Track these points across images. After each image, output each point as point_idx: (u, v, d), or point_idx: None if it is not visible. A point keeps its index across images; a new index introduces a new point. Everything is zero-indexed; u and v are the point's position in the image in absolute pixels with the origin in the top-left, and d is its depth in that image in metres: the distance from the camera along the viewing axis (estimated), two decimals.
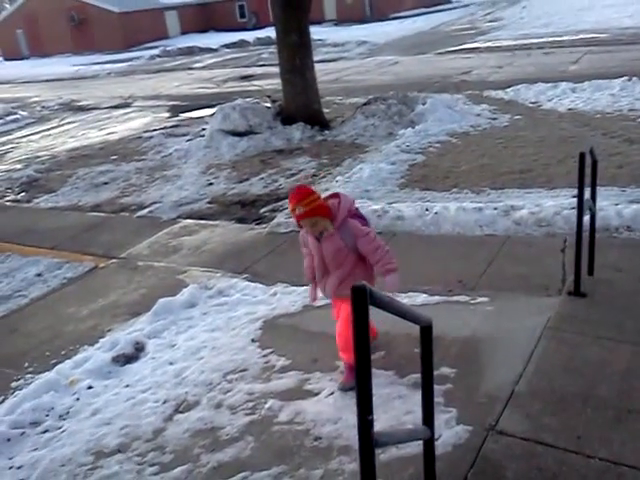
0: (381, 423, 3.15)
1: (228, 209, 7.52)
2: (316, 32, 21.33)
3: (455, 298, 4.60)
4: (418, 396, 2.66)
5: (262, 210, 7.29)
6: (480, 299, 4.52)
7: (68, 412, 3.77)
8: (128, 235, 6.90)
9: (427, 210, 6.23)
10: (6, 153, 12.74)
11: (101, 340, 4.57)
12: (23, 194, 9.40)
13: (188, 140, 11.08)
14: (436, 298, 4.60)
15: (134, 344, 4.37)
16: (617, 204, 5.79)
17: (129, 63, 30.63)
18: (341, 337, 3.60)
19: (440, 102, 10.65)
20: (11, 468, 3.39)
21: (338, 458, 3.11)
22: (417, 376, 2.85)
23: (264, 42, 30.45)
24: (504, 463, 2.95)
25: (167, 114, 14.70)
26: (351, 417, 3.24)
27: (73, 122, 15.56)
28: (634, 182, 6.50)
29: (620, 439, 2.99)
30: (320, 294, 3.73)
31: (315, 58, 11.07)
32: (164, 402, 3.73)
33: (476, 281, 4.85)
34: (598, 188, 4.84)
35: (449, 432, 3.16)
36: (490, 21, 30.26)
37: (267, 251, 5.99)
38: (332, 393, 3.60)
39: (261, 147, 10.02)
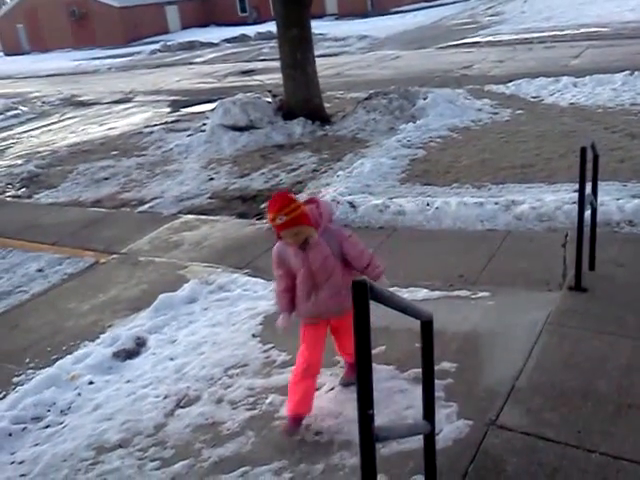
0: (382, 418, 3.15)
1: (229, 204, 7.51)
2: (317, 26, 21.27)
3: (456, 293, 4.60)
4: (419, 391, 2.66)
5: (263, 205, 7.27)
6: (481, 294, 4.52)
7: (69, 407, 3.78)
8: (129, 230, 6.90)
9: (428, 205, 6.22)
10: (7, 148, 12.74)
11: (102, 335, 4.58)
12: (24, 190, 9.39)
13: (189, 135, 11.07)
14: (437, 293, 4.60)
15: (135, 339, 4.38)
16: (618, 199, 5.78)
17: (130, 58, 30.59)
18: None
19: (441, 97, 10.62)
20: (13, 463, 3.40)
21: (339, 453, 3.12)
22: (418, 371, 2.86)
23: (265, 36, 30.40)
24: (505, 458, 2.95)
25: (168, 109, 14.69)
26: (352, 412, 3.24)
27: (74, 117, 15.55)
28: (636, 177, 6.48)
29: (620, 433, 2.99)
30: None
31: (316, 52, 11.04)
32: (165, 397, 3.73)
33: (477, 276, 4.85)
34: (599, 183, 4.84)
35: (450, 427, 3.17)
36: (491, 15, 30.17)
37: (268, 246, 5.94)
38: (332, 388, 3.61)
39: (262, 142, 10.00)
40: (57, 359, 4.34)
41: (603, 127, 8.56)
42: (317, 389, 3.63)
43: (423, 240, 5.70)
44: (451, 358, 3.74)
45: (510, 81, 12.24)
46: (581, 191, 4.27)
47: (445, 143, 8.79)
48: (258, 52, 25.60)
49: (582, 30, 19.63)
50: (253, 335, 4.34)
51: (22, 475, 3.30)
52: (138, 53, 32.38)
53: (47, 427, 3.64)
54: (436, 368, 3.44)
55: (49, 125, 14.92)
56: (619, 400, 3.22)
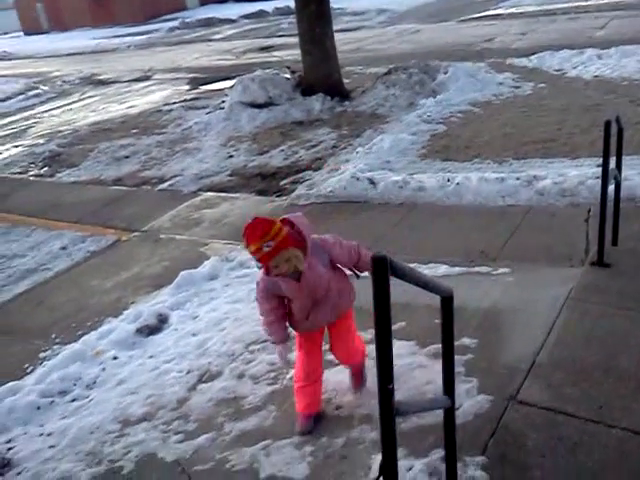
0: (402, 393, 3.17)
1: (248, 181, 7.53)
2: (336, 0, 21.00)
3: (477, 269, 4.58)
4: (439, 366, 2.66)
5: (282, 182, 7.29)
6: (502, 270, 4.49)
7: (95, 382, 3.86)
8: (150, 208, 6.95)
9: (449, 181, 6.17)
10: (29, 128, 12.86)
11: (125, 312, 4.65)
12: (46, 169, 9.50)
13: (208, 113, 11.06)
14: (457, 269, 4.59)
15: (157, 316, 4.44)
16: None
17: (148, 36, 30.52)
18: (350, 350, 3.29)
19: (462, 71, 10.47)
20: (41, 435, 3.49)
21: (359, 427, 3.15)
22: (438, 346, 2.86)
23: (283, 12, 30.09)
24: (525, 432, 2.96)
25: (187, 87, 14.67)
26: (372, 386, 3.27)
27: (94, 96, 15.61)
28: None
29: None
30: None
31: (335, 27, 10.92)
32: (187, 372, 3.79)
33: (498, 252, 4.82)
34: (624, 157, 4.75)
35: (470, 402, 3.18)
36: None
37: None
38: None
39: (281, 119, 9.97)
40: (82, 335, 4.42)
41: (628, 100, 8.39)
42: (337, 364, 3.66)
43: (443, 216, 5.67)
44: (471, 334, 3.74)
45: (533, 54, 12.01)
46: (605, 165, 4.21)
47: (466, 118, 8.68)
48: (276, 28, 25.39)
49: (607, 0, 19.13)
50: None
51: (51, 447, 3.39)
52: (157, 31, 32.29)
53: (74, 401, 3.72)
54: (456, 344, 3.44)
55: (70, 104, 15.01)
56: None
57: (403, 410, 2.40)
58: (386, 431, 2.20)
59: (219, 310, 4.47)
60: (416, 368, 3.48)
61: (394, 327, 3.91)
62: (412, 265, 3.47)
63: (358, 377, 3.42)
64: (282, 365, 3.20)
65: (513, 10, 20.58)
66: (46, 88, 17.60)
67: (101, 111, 13.36)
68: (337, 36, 11.02)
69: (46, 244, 6.45)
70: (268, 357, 3.81)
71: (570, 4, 19.46)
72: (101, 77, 18.61)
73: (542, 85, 9.84)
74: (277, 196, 6.87)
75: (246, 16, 32.20)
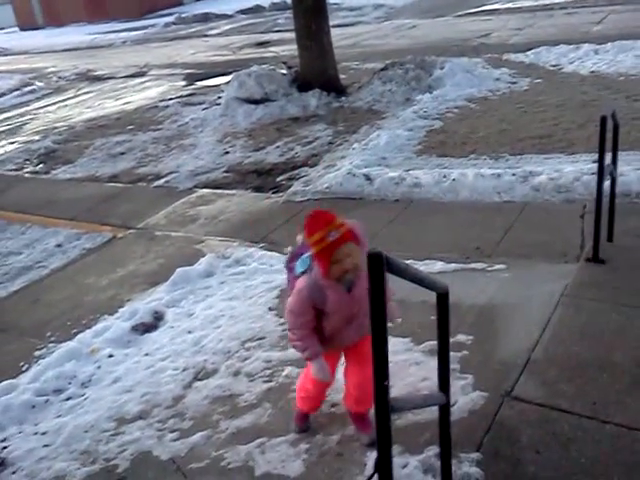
0: (397, 389, 3.18)
1: (244, 178, 7.51)
2: None
3: (472, 265, 4.58)
4: (434, 363, 2.66)
5: (278, 179, 7.28)
6: (497, 266, 4.50)
7: (90, 380, 3.86)
8: (145, 205, 6.94)
9: (445, 177, 6.17)
10: (24, 124, 12.81)
11: (120, 310, 4.64)
12: (41, 165, 9.47)
13: (204, 109, 11.04)
14: (453, 265, 4.59)
15: (153, 313, 4.44)
16: (639, 169, 5.68)
17: (144, 31, 30.39)
18: (364, 380, 2.71)
19: (458, 66, 10.45)
20: (36, 434, 3.48)
21: (355, 424, 3.15)
22: (433, 343, 2.86)
23: (280, 7, 29.97)
24: (520, 428, 2.97)
25: (183, 82, 14.63)
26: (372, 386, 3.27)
27: (89, 92, 15.56)
28: None
29: (636, 405, 2.99)
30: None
31: (331, 23, 10.88)
32: (183, 370, 3.79)
33: (493, 248, 4.82)
34: (619, 153, 4.74)
35: (465, 398, 3.18)
36: None
37: (284, 220, 6.00)
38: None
39: (277, 115, 9.95)
40: (77, 333, 4.42)
41: (625, 96, 8.38)
42: None
43: (439, 212, 5.67)
44: (467, 330, 3.74)
45: (529, 49, 11.99)
46: (600, 161, 4.21)
47: (462, 114, 8.67)
48: (273, 23, 25.30)
49: None
50: (270, 308, 4.37)
51: (45, 445, 3.38)
52: (152, 26, 32.14)
53: (69, 399, 3.72)
54: (452, 340, 3.44)
55: (65, 100, 14.95)
56: (635, 371, 3.21)
57: (398, 407, 2.41)
58: (381, 428, 2.21)
59: (215, 307, 4.46)
60: (412, 365, 3.49)
61: (389, 324, 3.93)
62: (408, 261, 3.47)
63: (364, 422, 3.06)
64: (323, 379, 2.87)
65: (510, 5, 20.53)
66: (41, 84, 17.52)
67: (97, 107, 13.32)
68: (333, 31, 10.98)
69: (41, 241, 6.44)
70: (264, 354, 3.81)
71: None
72: (97, 73, 18.54)
73: (539, 80, 9.82)
74: (273, 192, 6.86)
75: (242, 11, 32.06)
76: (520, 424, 2.99)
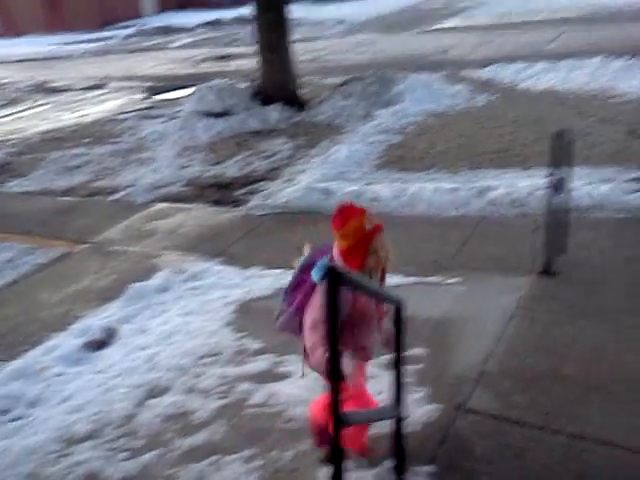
0: None
1: (204, 192, 7.45)
2: (294, 10, 21.02)
3: (429, 279, 4.62)
4: (390, 376, 2.67)
5: (238, 192, 7.24)
6: (454, 279, 4.54)
7: (38, 399, 3.74)
8: (101, 219, 6.81)
9: (403, 191, 6.24)
10: None
11: (72, 326, 4.52)
12: None
13: (163, 122, 10.92)
14: (411, 279, 4.62)
15: (106, 330, 4.34)
16: (590, 184, 5.83)
17: (104, 43, 30.06)
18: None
19: (418, 82, 10.61)
20: None
21: (309, 439, 3.12)
22: (389, 357, 2.86)
23: (241, 21, 30.01)
24: (473, 440, 2.99)
25: (142, 95, 14.47)
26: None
27: (46, 104, 15.25)
28: (607, 162, 6.54)
29: (586, 414, 3.05)
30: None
31: (293, 37, 10.94)
32: (136, 387, 3.71)
33: (450, 262, 4.87)
34: (572, 167, 4.87)
35: (420, 411, 3.19)
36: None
37: (243, 234, 5.96)
38: (305, 375, 3.60)
39: (237, 128, 9.91)
40: (26, 350, 4.28)
41: (577, 112, 8.61)
42: (290, 376, 3.64)
43: (397, 226, 5.69)
44: (423, 343, 3.76)
45: (486, 66, 12.25)
46: (552, 176, 4.30)
47: (421, 129, 8.79)
48: (234, 37, 25.31)
49: (558, 14, 19.67)
50: (227, 323, 4.32)
51: None
52: (112, 38, 31.81)
53: (15, 420, 3.59)
54: (408, 353, 3.46)
55: (20, 112, 14.63)
56: (585, 382, 3.27)
57: (353, 420, 2.40)
58: (336, 442, 2.19)
59: (170, 323, 4.39)
60: (368, 379, 3.46)
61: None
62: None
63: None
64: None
65: (468, 23, 20.98)
66: None
67: (53, 119, 13.06)
68: (295, 46, 11.03)
69: None
70: (219, 370, 3.76)
71: (522, 18, 19.93)
72: (54, 84, 18.20)
73: (495, 97, 10.03)
74: (233, 206, 6.82)
75: (203, 25, 32.00)
76: (474, 436, 3.01)
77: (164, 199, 7.31)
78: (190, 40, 26.55)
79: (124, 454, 3.21)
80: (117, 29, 36.74)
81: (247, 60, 16.25)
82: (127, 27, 36.37)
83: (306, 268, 2.68)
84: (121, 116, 12.12)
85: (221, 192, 7.37)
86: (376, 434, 3.03)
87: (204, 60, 19.31)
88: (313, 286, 2.58)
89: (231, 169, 8.13)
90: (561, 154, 4.33)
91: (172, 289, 4.91)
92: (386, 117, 9.28)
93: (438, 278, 4.60)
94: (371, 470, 2.87)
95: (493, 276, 4.55)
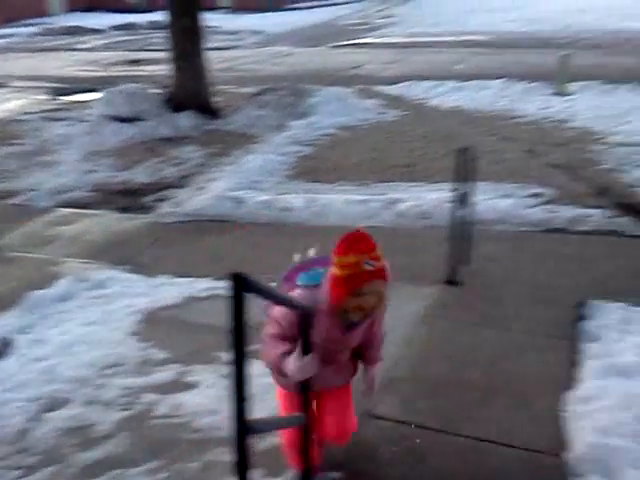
0: (260, 412, 3.13)
1: (110, 198, 7.21)
2: (210, 19, 20.82)
3: None
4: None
5: (147, 199, 7.06)
6: None
7: None
8: (0, 224, 6.44)
9: (315, 201, 6.29)
10: None
11: None
12: None
13: (70, 125, 10.52)
14: None
15: (1, 340, 4.09)
16: (492, 198, 6.11)
17: (6, 40, 28.63)
18: (341, 426, 2.73)
19: (332, 95, 10.79)
20: None
21: (216, 450, 3.06)
22: None
23: (155, 26, 29.40)
24: (379, 446, 3.04)
25: (48, 96, 13.86)
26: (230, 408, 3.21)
27: None
28: (509, 178, 6.87)
29: (485, 417, 3.17)
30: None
31: (208, 45, 10.86)
32: (32, 401, 3.50)
33: None
34: (475, 183, 5.08)
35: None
36: (383, 17, 30.95)
37: (150, 242, 5.81)
38: (212, 385, 3.55)
39: (148, 134, 9.68)
40: None
41: (482, 130, 9.02)
42: (196, 386, 3.57)
43: (308, 236, 5.70)
44: None
45: (398, 82, 12.63)
46: (458, 190, 4.47)
47: (334, 141, 8.92)
48: (147, 41, 24.79)
49: (466, 37, 20.58)
50: (131, 333, 4.18)
51: None
52: (14, 35, 30.32)
53: None
54: None
55: None
56: (485, 387, 3.40)
57: (258, 428, 2.37)
58: (240, 450, 2.15)
59: (71, 333, 4.20)
60: (274, 387, 3.45)
61: (253, 347, 3.88)
62: (277, 284, 3.47)
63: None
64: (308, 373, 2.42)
65: (382, 40, 21.57)
66: None
67: None
68: (211, 54, 10.95)
69: None
70: (122, 381, 3.63)
71: (433, 38, 20.72)
72: None
73: (406, 112, 10.35)
74: (141, 213, 6.64)
75: (115, 27, 31.17)
76: (379, 441, 3.06)
77: (68, 204, 7.02)
78: (101, 42, 25.76)
79: (17, 472, 3.02)
80: (20, 26, 34.99)
81: (160, 66, 15.93)
82: (31, 25, 34.71)
83: (297, 269, 2.68)
84: (25, 117, 11.57)
85: (129, 198, 7.17)
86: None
87: (115, 63, 18.80)
88: (295, 285, 2.54)
89: (140, 175, 7.93)
90: (465, 169, 4.52)
91: (74, 298, 4.70)
92: (300, 128, 9.36)
93: None
94: (278, 479, 2.85)
95: (402, 285, 4.62)
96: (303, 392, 2.55)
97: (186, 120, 9.98)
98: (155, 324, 4.29)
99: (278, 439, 3.06)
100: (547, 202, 6.09)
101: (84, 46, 24.76)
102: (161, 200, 6.90)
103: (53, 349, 3.99)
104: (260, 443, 3.00)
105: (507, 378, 3.49)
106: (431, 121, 9.73)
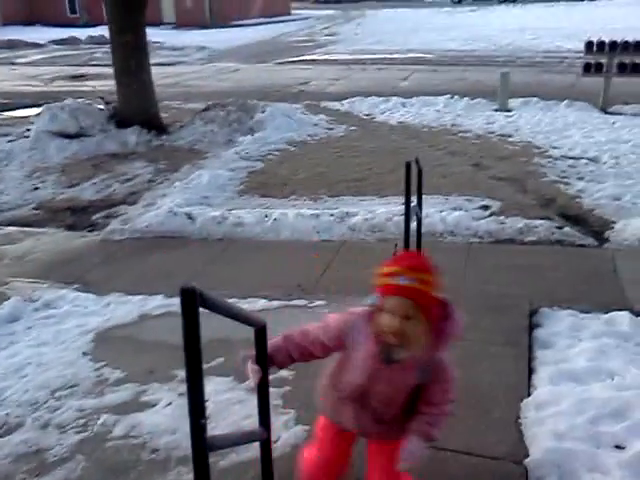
0: (221, 429, 3.13)
1: (56, 215, 7.04)
2: (154, 34, 20.72)
3: (294, 302, 4.68)
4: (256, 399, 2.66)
5: (95, 217, 6.92)
6: (317, 302, 4.64)
7: None
8: None
9: (266, 217, 6.30)
10: None
11: None
12: None
13: (10, 141, 10.22)
14: (276, 303, 4.65)
15: None
16: (441, 211, 6.25)
17: None
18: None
19: (279, 111, 10.84)
20: None
21: (176, 469, 3.02)
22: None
23: (98, 41, 28.99)
24: None
25: None
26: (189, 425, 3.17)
27: None
28: (456, 191, 7.05)
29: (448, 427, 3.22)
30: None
31: (153, 61, 10.76)
32: None
33: (314, 285, 4.98)
34: (424, 196, 5.20)
35: (287, 433, 3.21)
36: (327, 35, 31.36)
37: (100, 259, 5.70)
38: (170, 404, 3.50)
39: (93, 150, 9.50)
40: None
41: (428, 145, 9.23)
42: (153, 405, 3.51)
43: (262, 251, 5.75)
44: (289, 366, 3.78)
45: (345, 98, 12.80)
46: (407, 203, 4.56)
47: (283, 156, 8.97)
48: (90, 56, 24.37)
49: (409, 55, 21.07)
50: (83, 353, 4.09)
51: None
52: None
53: None
54: (274, 376, 3.47)
55: None
56: None
57: (218, 445, 2.35)
58: (199, 468, 2.13)
59: (20, 355, 4.07)
60: (235, 403, 3.44)
61: (213, 363, 3.88)
62: (231, 300, 3.46)
63: None
64: (252, 378, 2.33)
65: (327, 57, 21.84)
66: None
67: None
68: (155, 70, 10.85)
69: None
70: (76, 403, 3.54)
71: (378, 55, 21.13)
72: None
73: (353, 128, 10.49)
74: (89, 231, 6.51)
75: (56, 41, 30.52)
76: None
77: (11, 223, 6.82)
78: (41, 57, 25.17)
79: None
80: None
81: (104, 81, 15.72)
82: None
83: None
84: None
85: (76, 216, 7.02)
86: (246, 459, 3.01)
87: (57, 78, 18.39)
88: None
89: (87, 192, 7.77)
90: (414, 183, 4.62)
91: (22, 319, 4.57)
92: (249, 144, 9.37)
93: (303, 301, 4.68)
94: None
95: (354, 298, 4.68)
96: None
97: (133, 136, 9.84)
98: (108, 343, 4.21)
99: (239, 456, 3.04)
100: (495, 214, 6.28)
101: (23, 60, 24.13)
102: (110, 217, 6.78)
103: (1, 372, 3.86)
104: (221, 460, 2.98)
105: (463, 387, 3.55)
106: (379, 136, 9.90)
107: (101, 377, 3.80)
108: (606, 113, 10.93)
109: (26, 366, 3.94)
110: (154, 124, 10.24)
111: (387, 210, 6.29)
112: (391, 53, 21.77)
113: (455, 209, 6.36)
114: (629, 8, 34.50)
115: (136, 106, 10.13)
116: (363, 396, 2.23)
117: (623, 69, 11.08)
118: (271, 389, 2.65)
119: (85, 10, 42.71)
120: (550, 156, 8.38)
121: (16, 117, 12.51)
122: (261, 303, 4.63)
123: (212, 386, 3.48)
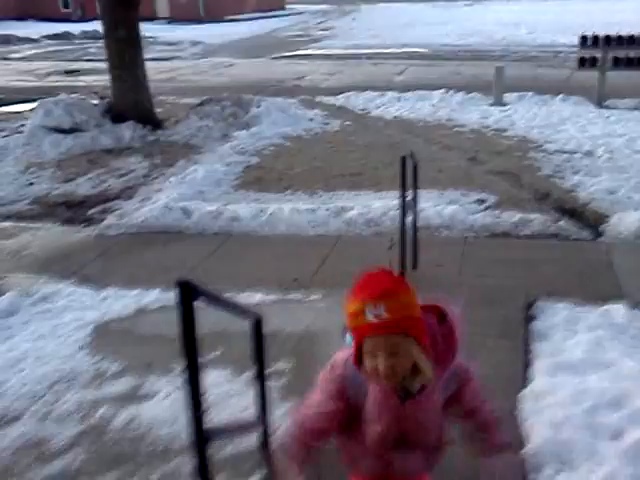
0: (219, 420, 3.13)
1: (52, 210, 7.03)
2: (148, 29, 20.64)
3: (290, 296, 4.71)
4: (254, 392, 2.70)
5: (90, 211, 6.91)
6: (314, 296, 4.67)
7: None
8: None
9: (262, 211, 6.31)
10: None
11: None
12: None
13: (4, 136, 10.18)
14: (272, 297, 4.68)
15: None
16: (437, 205, 6.28)
17: None
18: None
19: (274, 106, 10.84)
20: None
21: (176, 459, 3.04)
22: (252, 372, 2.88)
23: (91, 36, 28.88)
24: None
25: None
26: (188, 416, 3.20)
27: None
28: (452, 185, 7.07)
29: None
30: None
31: (147, 56, 10.74)
32: None
33: (310, 279, 5.00)
34: (420, 190, 5.22)
35: (286, 425, 3.22)
36: (322, 29, 31.33)
37: (96, 254, 5.71)
38: (168, 395, 3.52)
39: (88, 146, 9.48)
40: None
41: (423, 139, 9.25)
42: (152, 397, 3.53)
43: (258, 245, 5.77)
44: (286, 358, 3.82)
45: (340, 93, 12.81)
46: (403, 197, 4.59)
47: (278, 151, 8.97)
48: (84, 51, 24.28)
49: (405, 49, 21.07)
50: (81, 347, 4.10)
51: None
52: None
53: None
54: (272, 369, 3.52)
55: None
56: None
57: (216, 436, 2.39)
58: (199, 458, 2.17)
59: (18, 349, 4.08)
60: (233, 395, 3.47)
61: (211, 356, 3.90)
62: (228, 294, 3.48)
63: None
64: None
65: (322, 51, 21.83)
66: None
67: None
68: (150, 65, 10.83)
69: None
70: (75, 395, 3.56)
71: (373, 50, 21.12)
72: None
73: (348, 123, 10.50)
74: (84, 226, 6.50)
75: (49, 37, 30.40)
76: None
77: (7, 218, 6.81)
78: (35, 52, 25.06)
79: None
80: None
81: (98, 76, 15.65)
82: None
83: None
84: None
85: (72, 211, 7.01)
86: (247, 449, 3.04)
87: (51, 73, 18.33)
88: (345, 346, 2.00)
89: (83, 187, 7.77)
90: (410, 177, 4.65)
91: (19, 313, 4.57)
92: (244, 139, 9.37)
93: (299, 295, 4.71)
94: None
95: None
96: None
97: (128, 131, 9.82)
98: (105, 337, 4.22)
99: (237, 446, 3.07)
100: (490, 208, 6.31)
101: (17, 55, 24.04)
102: (106, 212, 6.77)
103: (0, 365, 3.87)
104: (220, 450, 3.00)
105: None
106: (374, 131, 9.91)
107: (99, 370, 3.82)
108: (601, 107, 10.97)
109: (24, 360, 3.95)
110: (149, 119, 10.23)
111: (383, 204, 6.31)
112: (386, 47, 21.77)
113: (451, 203, 6.38)
114: (624, 3, 34.56)
115: (131, 101, 10.12)
116: (400, 442, 1.94)
117: (618, 63, 11.13)
118: (270, 381, 2.68)
119: (79, 5, 42.53)
120: (545, 150, 8.42)
121: (10, 112, 12.45)
122: (258, 297, 4.65)
123: (211, 379, 3.49)
